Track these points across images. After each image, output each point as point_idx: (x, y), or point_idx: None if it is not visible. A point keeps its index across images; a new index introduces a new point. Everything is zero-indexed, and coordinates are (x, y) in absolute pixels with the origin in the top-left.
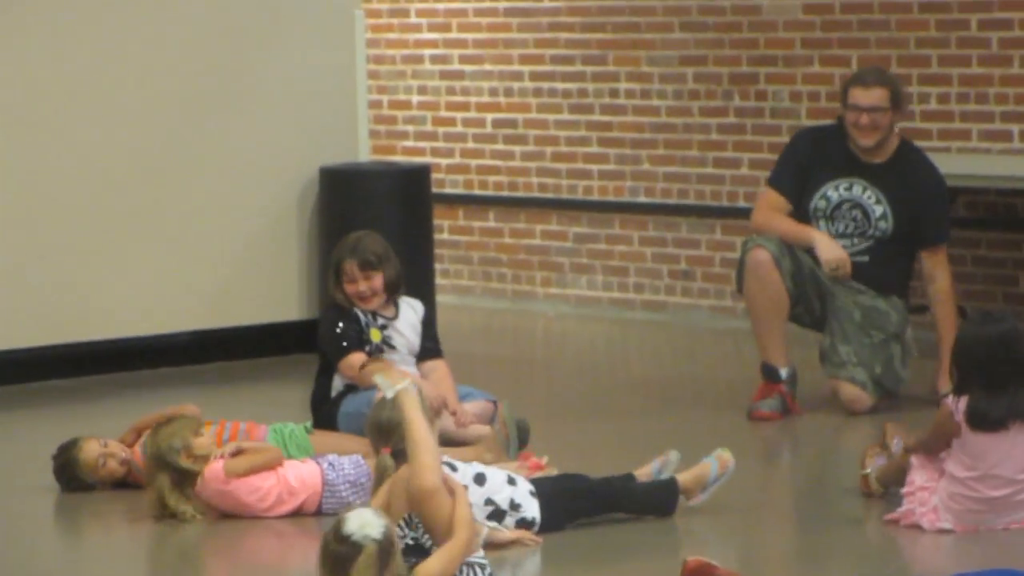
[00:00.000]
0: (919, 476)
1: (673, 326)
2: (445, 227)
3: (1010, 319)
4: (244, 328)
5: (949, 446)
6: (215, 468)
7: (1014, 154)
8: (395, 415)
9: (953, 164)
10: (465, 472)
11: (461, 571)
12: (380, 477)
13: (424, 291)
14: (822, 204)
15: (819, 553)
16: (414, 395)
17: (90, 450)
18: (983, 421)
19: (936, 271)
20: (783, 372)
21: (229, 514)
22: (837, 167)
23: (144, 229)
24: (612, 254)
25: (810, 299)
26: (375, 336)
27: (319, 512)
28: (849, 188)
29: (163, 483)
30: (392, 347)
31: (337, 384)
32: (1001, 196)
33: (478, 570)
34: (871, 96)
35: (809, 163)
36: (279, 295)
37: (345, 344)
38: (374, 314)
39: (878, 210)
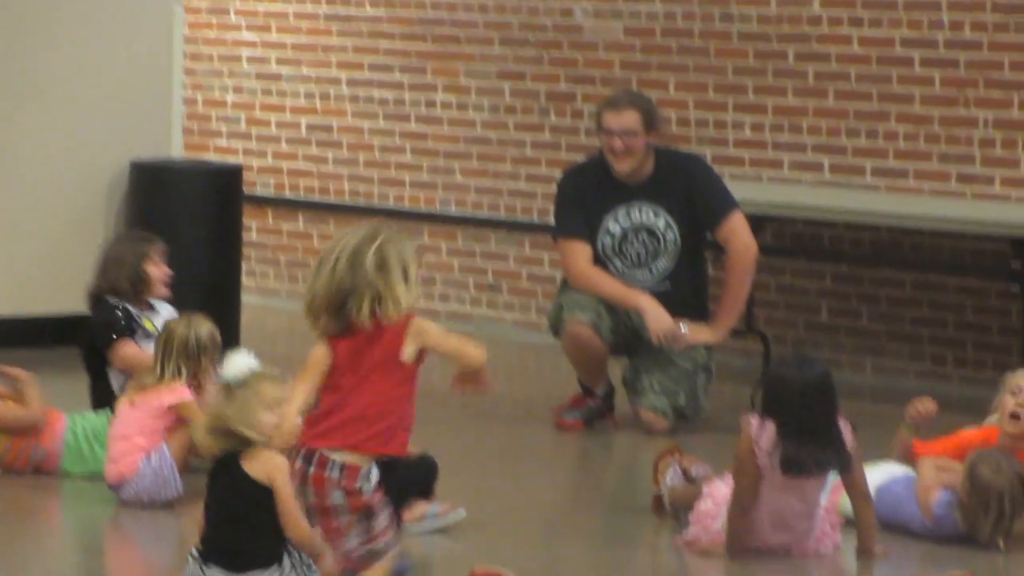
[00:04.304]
0: (704, 504)
1: (477, 338)
2: (254, 228)
3: (823, 365)
4: (47, 318)
5: (759, 480)
6: None
7: (824, 186)
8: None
9: (763, 193)
10: None
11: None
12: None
13: (229, 291)
14: (608, 240)
15: (609, 569)
16: None
17: None
18: (792, 468)
19: (730, 240)
20: (598, 390)
21: None
22: (608, 199)
23: None
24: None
25: (626, 339)
26: (148, 325)
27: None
28: (628, 215)
29: None
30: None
31: (116, 381)
32: (809, 226)
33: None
34: (623, 120)
35: (583, 202)
36: (84, 286)
37: (120, 330)
38: (140, 312)
39: (660, 223)
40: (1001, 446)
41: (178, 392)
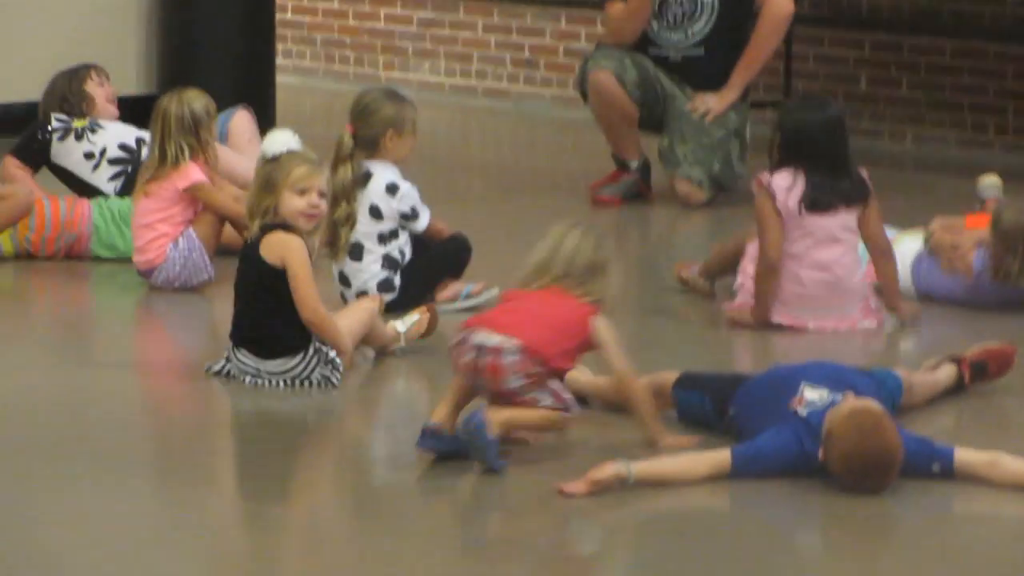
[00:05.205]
0: (751, 267)
1: (515, 114)
2: (289, 7)
3: (833, 104)
4: None
5: (783, 231)
6: None
7: None
8: (377, 105)
9: None
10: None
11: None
12: (336, 150)
13: (264, 71)
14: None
15: (645, 341)
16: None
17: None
18: (816, 204)
19: (764, 6)
20: (633, 163)
21: None
22: None
23: None
24: (456, 40)
25: (654, 102)
26: (79, 123)
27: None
28: None
29: None
30: (101, 126)
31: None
32: None
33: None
34: None
35: None
36: (117, 68)
37: (14, 148)
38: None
39: None
40: None
41: (189, 175)
